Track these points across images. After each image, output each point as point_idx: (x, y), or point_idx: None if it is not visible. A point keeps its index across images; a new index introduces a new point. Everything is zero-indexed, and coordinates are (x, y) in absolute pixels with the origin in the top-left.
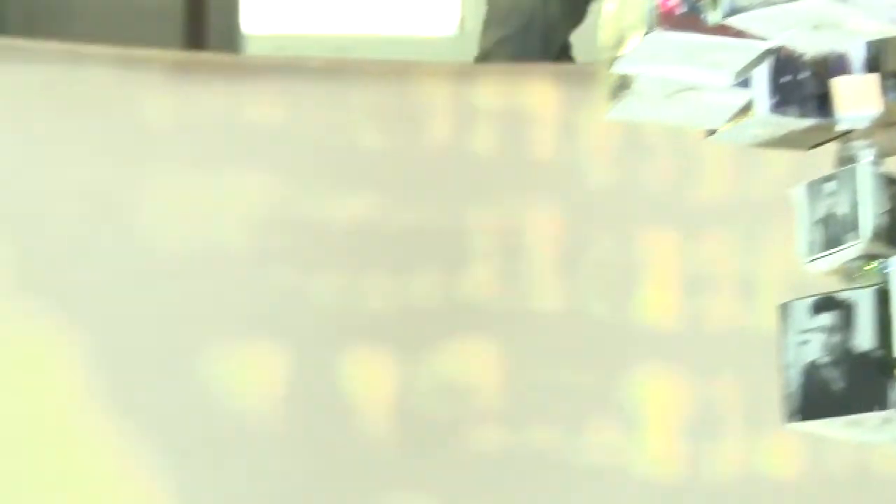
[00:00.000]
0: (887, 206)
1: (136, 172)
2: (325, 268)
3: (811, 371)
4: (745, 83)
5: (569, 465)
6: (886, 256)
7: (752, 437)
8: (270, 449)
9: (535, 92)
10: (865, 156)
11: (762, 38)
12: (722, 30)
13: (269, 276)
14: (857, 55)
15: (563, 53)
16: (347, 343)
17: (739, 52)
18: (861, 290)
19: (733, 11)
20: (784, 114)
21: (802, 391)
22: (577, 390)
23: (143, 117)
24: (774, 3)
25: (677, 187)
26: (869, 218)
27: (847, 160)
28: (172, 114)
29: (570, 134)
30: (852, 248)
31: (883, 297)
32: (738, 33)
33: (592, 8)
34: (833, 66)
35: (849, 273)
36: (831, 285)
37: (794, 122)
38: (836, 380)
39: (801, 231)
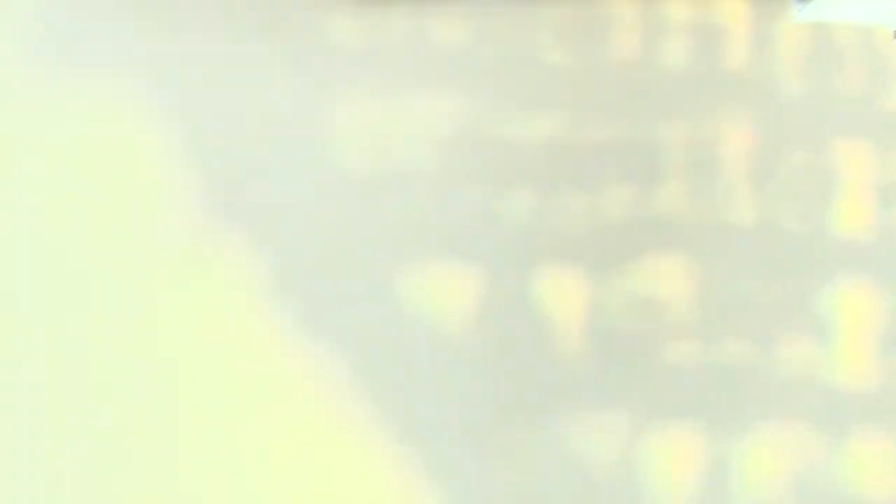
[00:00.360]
0: None
1: (324, 95)
2: (515, 187)
3: None
4: None
5: (763, 377)
6: None
7: None
8: (463, 368)
9: (725, 2)
10: None
11: None
12: None
13: (459, 196)
14: None
15: None
16: (539, 261)
17: None
18: None
19: None
20: None
21: None
22: (770, 303)
23: (331, 40)
24: None
25: (870, 94)
26: None
27: None
28: (359, 36)
29: (761, 44)
30: None
31: None
32: None
33: None
34: None
35: None
36: None
37: None
38: None
39: None
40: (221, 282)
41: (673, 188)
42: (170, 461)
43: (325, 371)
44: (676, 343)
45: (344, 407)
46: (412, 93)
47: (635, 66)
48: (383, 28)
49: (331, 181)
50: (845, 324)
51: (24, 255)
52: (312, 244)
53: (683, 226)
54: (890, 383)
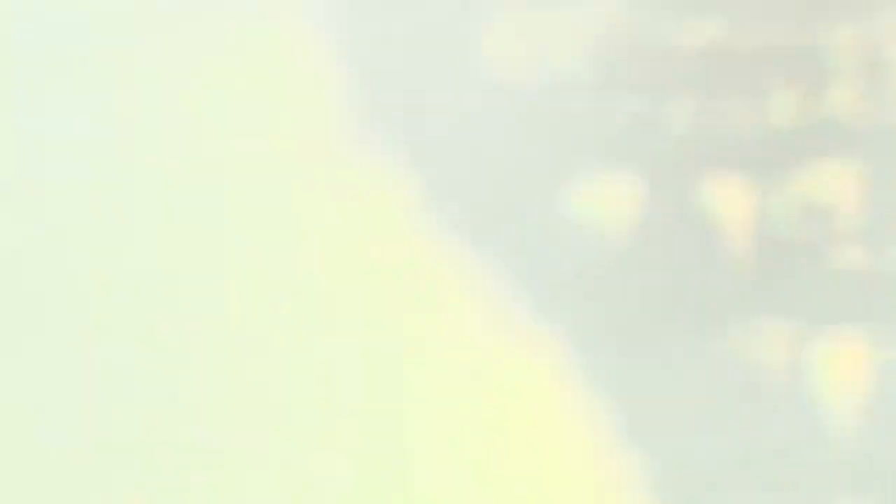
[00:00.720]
0: None
1: (479, 5)
2: (677, 93)
3: None
4: None
5: None
6: None
7: None
8: (627, 277)
9: None
10: None
11: None
12: None
13: (620, 104)
14: None
15: None
16: (703, 168)
17: None
18: None
19: None
20: None
21: None
22: None
23: None
24: None
25: None
26: None
27: None
28: None
29: None
30: None
31: None
32: None
33: None
34: None
35: None
36: None
37: None
38: None
39: None
40: (379, 197)
41: (840, 92)
42: (323, 376)
43: (486, 284)
44: (844, 248)
45: (507, 318)
46: (570, 0)
47: None
48: None
49: (490, 92)
50: None
51: (180, 162)
52: (471, 156)
53: (851, 130)
54: None
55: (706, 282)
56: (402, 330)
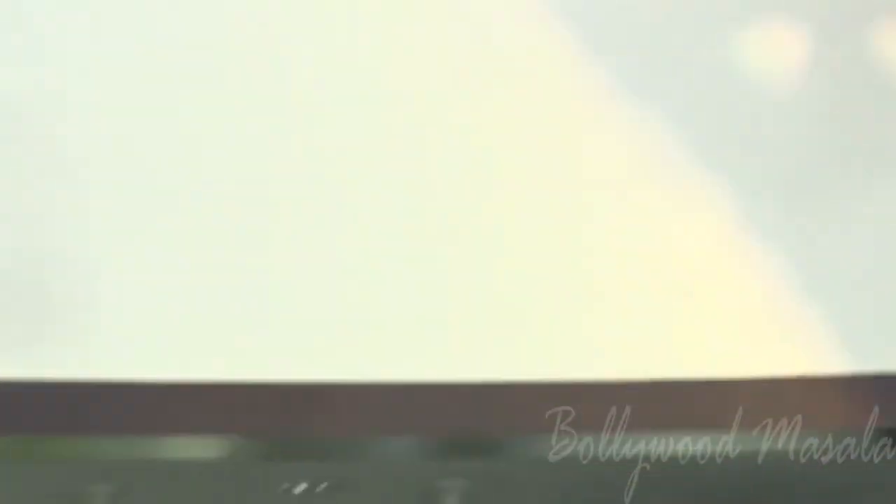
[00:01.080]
0: None
1: None
2: None
3: None
4: None
5: None
6: None
7: None
8: (795, 127)
9: None
10: None
11: None
12: None
13: None
14: None
15: None
16: (872, 13)
17: None
18: None
19: None
20: None
21: None
22: None
23: None
24: None
25: None
26: None
27: None
28: None
29: None
30: None
31: None
32: None
33: None
34: None
35: None
36: None
37: None
38: None
39: None
40: (549, 47)
41: None
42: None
43: (652, 133)
44: None
45: (672, 166)
46: None
47: None
48: None
49: None
50: None
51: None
52: (638, 6)
53: None
54: None
55: (876, 130)
56: (565, 180)
